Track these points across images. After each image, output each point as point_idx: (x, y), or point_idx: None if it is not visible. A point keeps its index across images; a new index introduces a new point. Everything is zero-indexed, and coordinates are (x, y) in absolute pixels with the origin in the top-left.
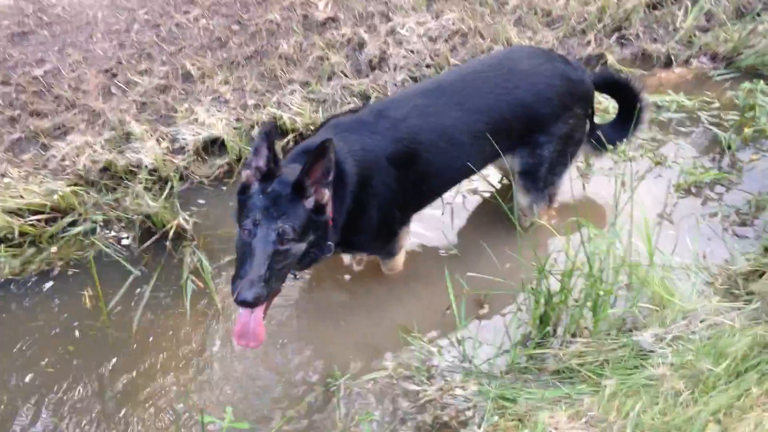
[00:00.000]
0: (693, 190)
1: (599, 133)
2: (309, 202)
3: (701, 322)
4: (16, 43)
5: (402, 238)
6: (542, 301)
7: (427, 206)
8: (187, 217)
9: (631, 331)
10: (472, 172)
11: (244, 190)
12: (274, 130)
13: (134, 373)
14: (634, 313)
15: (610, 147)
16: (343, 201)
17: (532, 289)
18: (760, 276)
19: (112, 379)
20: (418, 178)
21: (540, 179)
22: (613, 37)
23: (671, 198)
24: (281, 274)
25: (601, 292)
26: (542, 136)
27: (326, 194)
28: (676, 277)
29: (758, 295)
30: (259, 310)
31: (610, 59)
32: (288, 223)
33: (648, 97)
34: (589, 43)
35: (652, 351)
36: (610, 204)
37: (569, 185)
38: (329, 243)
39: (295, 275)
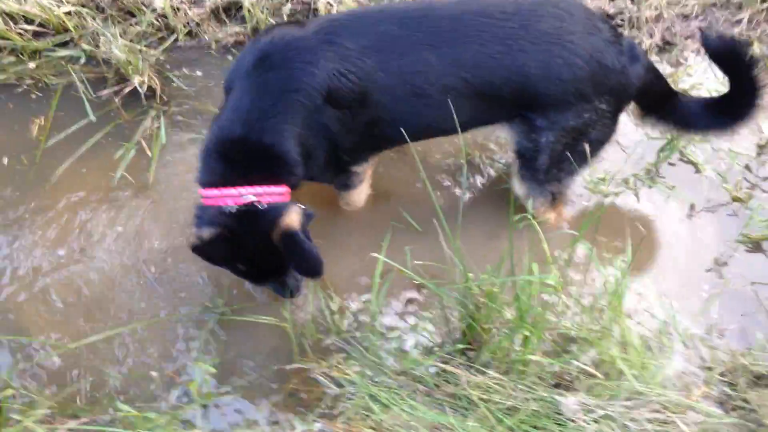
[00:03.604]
0: (765, 248)
1: (687, 109)
2: None
3: (650, 410)
4: None
5: (360, 175)
6: (467, 313)
7: (389, 149)
8: (153, 75)
9: (559, 386)
10: (451, 131)
11: None
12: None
13: (31, 218)
14: (562, 366)
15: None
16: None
17: (458, 296)
18: None
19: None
20: (367, 121)
21: (539, 170)
22: None
23: (730, 248)
24: None
25: (526, 333)
26: (540, 120)
27: None
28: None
29: (750, 408)
30: None
31: (758, 49)
32: None
33: None
34: (740, 22)
35: (571, 420)
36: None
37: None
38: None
39: None
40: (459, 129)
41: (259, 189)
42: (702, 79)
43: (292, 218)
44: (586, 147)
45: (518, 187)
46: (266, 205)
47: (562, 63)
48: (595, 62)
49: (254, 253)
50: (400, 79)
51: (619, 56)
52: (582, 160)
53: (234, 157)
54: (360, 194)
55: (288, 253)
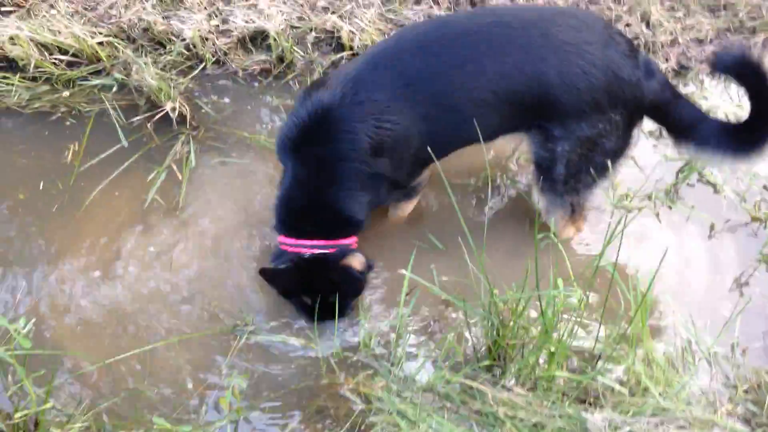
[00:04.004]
0: None
1: (710, 132)
2: None
3: (675, 427)
4: None
5: (419, 186)
6: (493, 329)
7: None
8: (183, 102)
9: (584, 402)
10: (478, 140)
11: None
12: None
13: (66, 240)
14: (589, 383)
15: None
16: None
17: (484, 311)
18: None
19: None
20: (413, 152)
21: (557, 181)
22: None
23: (751, 267)
24: None
25: (552, 348)
26: (557, 129)
27: None
28: (685, 361)
29: None
30: None
31: None
32: None
33: None
34: (755, 45)
35: None
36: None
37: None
38: None
39: None
40: (487, 138)
41: (330, 243)
42: (719, 102)
43: (354, 262)
44: (604, 159)
45: (538, 199)
46: (336, 252)
47: (580, 72)
48: (611, 73)
49: (317, 289)
50: (433, 104)
51: (635, 69)
52: (599, 172)
53: (305, 220)
54: (413, 203)
55: (341, 282)
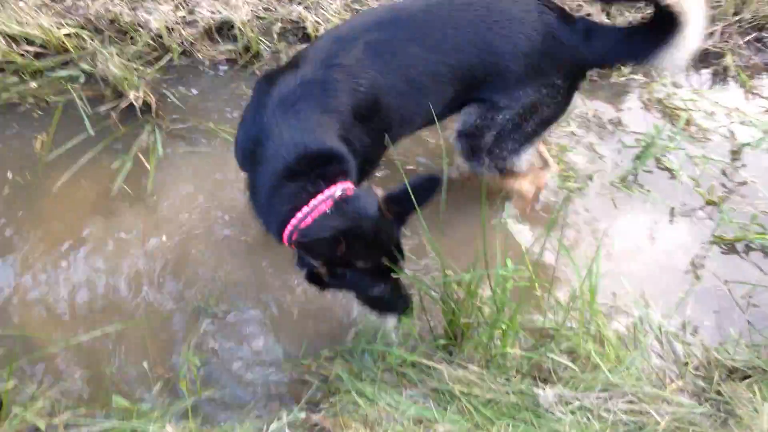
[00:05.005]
0: (739, 248)
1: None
2: None
3: (625, 402)
4: None
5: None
6: (449, 308)
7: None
8: (148, 91)
9: (536, 378)
10: (432, 120)
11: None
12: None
13: (34, 227)
14: (541, 360)
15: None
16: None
17: (440, 292)
18: (743, 378)
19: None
20: (381, 127)
21: (481, 149)
22: (749, 37)
23: (705, 249)
24: None
25: (503, 326)
26: (503, 98)
27: None
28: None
29: (723, 400)
30: None
31: (730, 61)
32: None
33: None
34: (712, 34)
35: (549, 411)
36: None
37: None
38: None
39: None
40: (441, 116)
41: (338, 186)
42: (674, 90)
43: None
44: (538, 125)
45: (467, 166)
46: (354, 193)
47: (524, 38)
48: (550, 37)
49: (371, 241)
50: (399, 76)
51: (571, 35)
52: (528, 140)
53: (300, 174)
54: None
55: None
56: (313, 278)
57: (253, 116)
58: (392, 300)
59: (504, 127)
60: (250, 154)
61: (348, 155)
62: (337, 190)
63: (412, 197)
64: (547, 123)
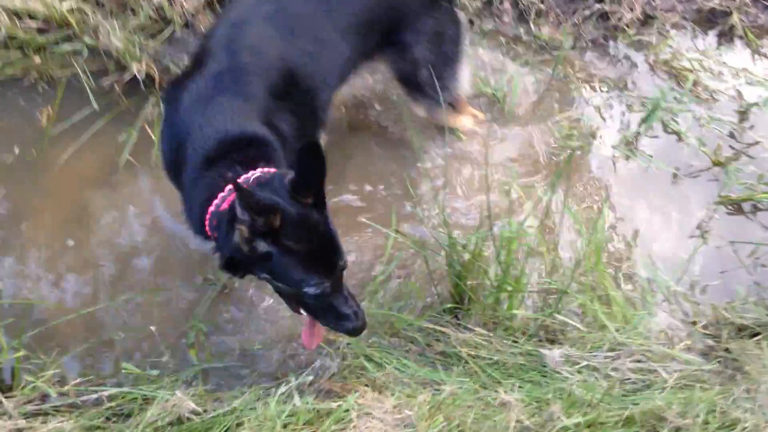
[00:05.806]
0: (746, 208)
1: None
2: None
3: (632, 360)
4: None
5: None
6: (454, 271)
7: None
8: (151, 64)
9: (542, 340)
10: (348, 72)
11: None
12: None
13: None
14: (546, 321)
15: None
16: None
17: (447, 253)
18: (752, 336)
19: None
20: (305, 100)
21: (425, 85)
22: None
23: (711, 210)
24: None
25: (509, 287)
26: (408, 35)
27: None
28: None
29: (731, 357)
30: None
31: (736, 19)
32: None
33: None
34: None
35: (556, 372)
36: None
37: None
38: None
39: None
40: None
41: (257, 171)
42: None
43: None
44: (453, 46)
45: (417, 109)
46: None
47: None
48: None
49: (295, 221)
50: (307, 39)
51: None
52: (453, 62)
53: (217, 161)
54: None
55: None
56: (229, 265)
57: (170, 125)
58: (337, 309)
59: (429, 60)
60: (174, 165)
61: (271, 139)
62: (255, 174)
63: (309, 173)
64: (455, 43)
